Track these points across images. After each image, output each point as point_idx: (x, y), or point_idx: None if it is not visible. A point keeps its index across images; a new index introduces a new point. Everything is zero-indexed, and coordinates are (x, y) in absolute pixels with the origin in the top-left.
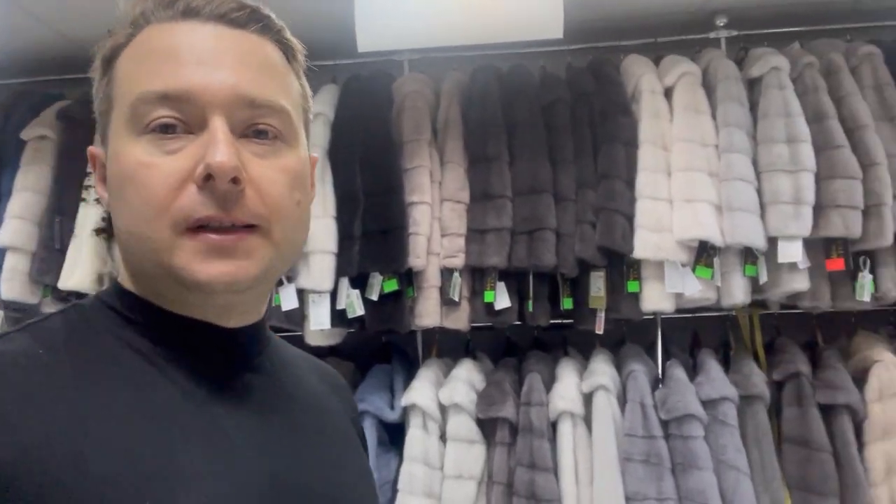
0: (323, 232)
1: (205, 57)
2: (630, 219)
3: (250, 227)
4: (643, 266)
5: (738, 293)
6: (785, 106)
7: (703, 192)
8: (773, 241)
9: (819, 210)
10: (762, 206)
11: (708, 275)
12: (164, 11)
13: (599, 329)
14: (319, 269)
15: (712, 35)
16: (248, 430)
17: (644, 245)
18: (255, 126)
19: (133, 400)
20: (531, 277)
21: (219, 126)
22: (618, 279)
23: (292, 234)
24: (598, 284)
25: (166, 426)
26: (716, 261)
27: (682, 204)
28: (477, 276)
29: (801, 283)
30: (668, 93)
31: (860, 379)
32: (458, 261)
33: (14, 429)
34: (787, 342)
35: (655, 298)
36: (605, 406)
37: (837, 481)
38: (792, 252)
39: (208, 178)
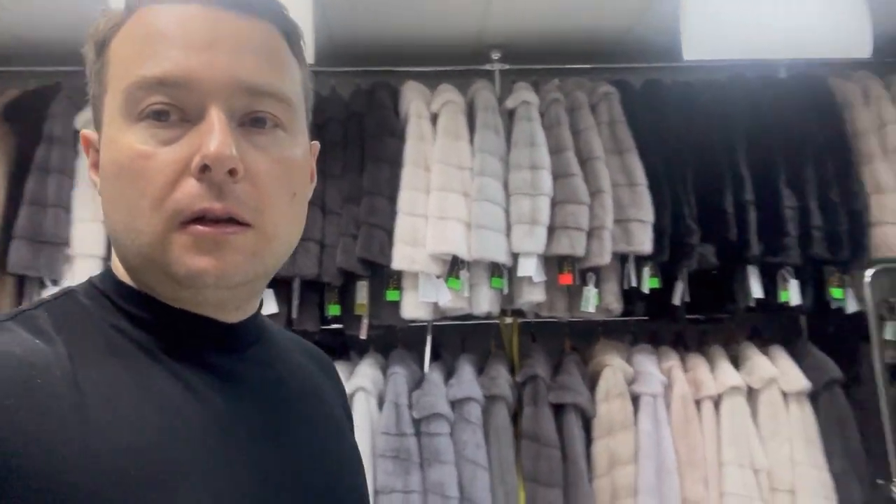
0: (90, 236)
1: (202, 41)
2: (391, 233)
3: (243, 225)
4: (404, 277)
5: (484, 303)
6: (531, 136)
7: (454, 210)
8: (517, 257)
9: (552, 231)
10: (509, 226)
11: (458, 286)
12: None
13: (363, 334)
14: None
15: (487, 67)
16: (248, 423)
17: (401, 257)
18: (255, 114)
19: (134, 391)
20: (295, 285)
21: (215, 115)
22: (381, 288)
23: (285, 228)
24: (361, 293)
25: (168, 419)
26: (463, 273)
27: (435, 221)
28: None
29: (537, 294)
30: (435, 118)
31: (596, 381)
32: None
33: (13, 421)
34: (536, 348)
35: (412, 306)
36: (363, 406)
37: (562, 474)
38: (527, 267)
39: (204, 169)
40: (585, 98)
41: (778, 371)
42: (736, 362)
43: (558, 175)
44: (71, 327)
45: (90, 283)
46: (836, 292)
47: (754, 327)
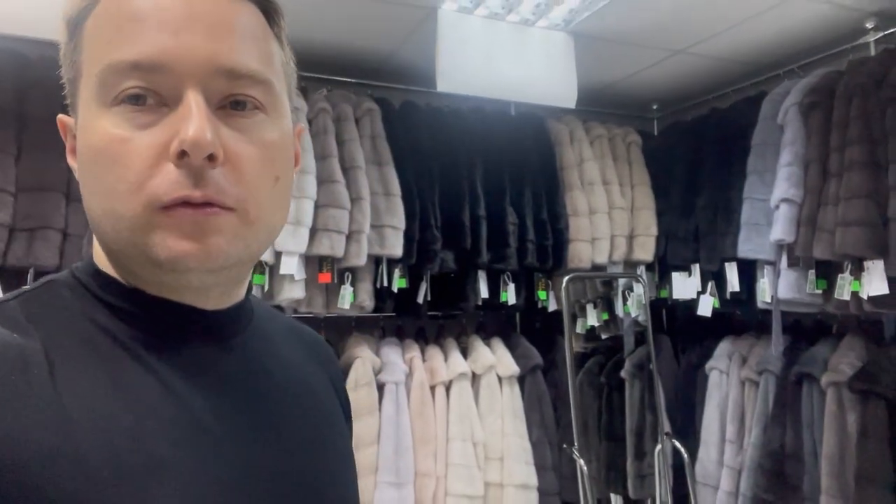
0: None
1: (178, 22)
2: None
3: (226, 209)
4: None
5: None
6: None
7: None
8: (280, 256)
9: (314, 232)
10: None
11: None
12: None
13: None
14: None
15: None
16: (227, 418)
17: None
18: (234, 97)
19: (110, 388)
20: (29, 277)
21: (193, 99)
22: None
23: (269, 213)
24: None
25: (143, 415)
26: None
27: None
28: None
29: (297, 292)
30: None
31: (348, 372)
32: None
33: None
34: None
35: None
36: None
37: None
38: (289, 265)
39: (182, 155)
40: (351, 111)
41: (496, 359)
42: (465, 352)
43: (322, 180)
44: (48, 320)
45: (71, 272)
46: (541, 294)
47: (480, 322)
